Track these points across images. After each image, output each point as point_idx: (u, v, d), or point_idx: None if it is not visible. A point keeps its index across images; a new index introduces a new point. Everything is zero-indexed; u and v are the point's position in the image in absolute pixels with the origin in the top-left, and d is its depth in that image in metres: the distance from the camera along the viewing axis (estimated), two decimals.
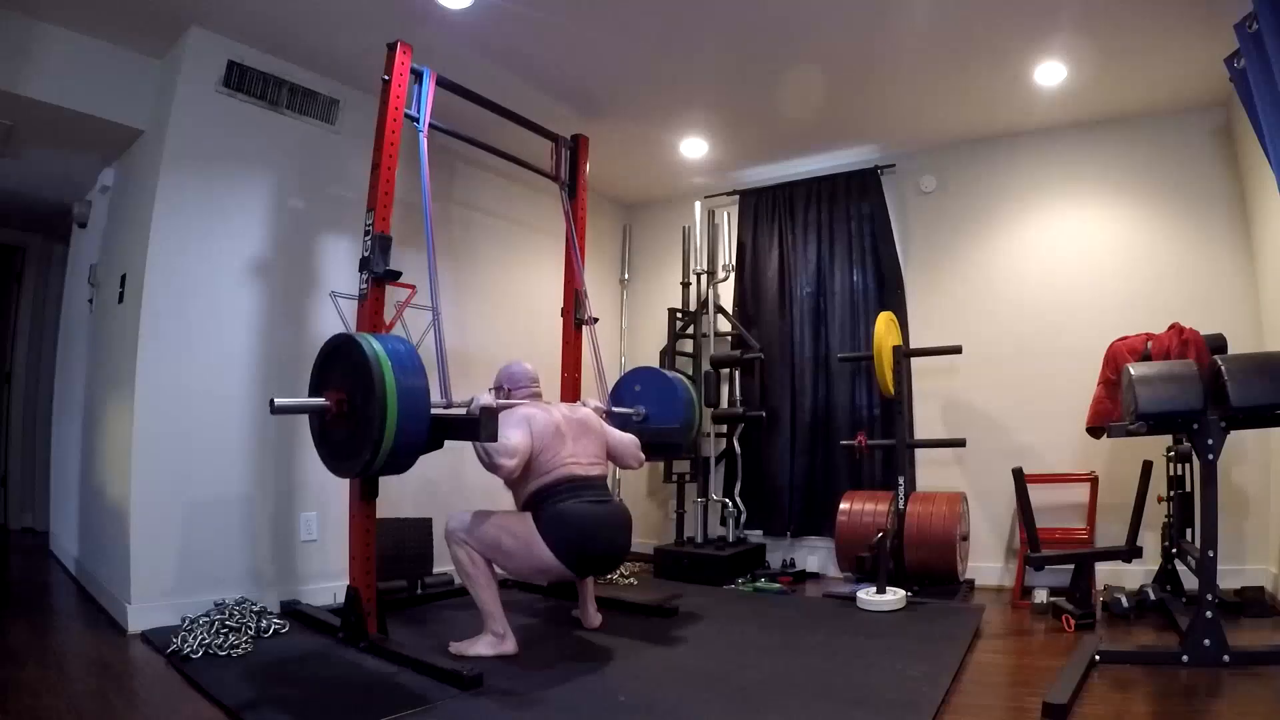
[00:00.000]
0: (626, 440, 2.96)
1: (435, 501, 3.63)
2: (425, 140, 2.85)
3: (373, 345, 2.25)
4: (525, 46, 3.23)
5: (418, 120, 2.86)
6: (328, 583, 3.22)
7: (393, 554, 3.33)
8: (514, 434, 2.50)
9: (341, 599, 2.74)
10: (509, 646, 2.52)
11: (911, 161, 4.35)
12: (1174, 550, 3.25)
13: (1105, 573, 3.49)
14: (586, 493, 2.60)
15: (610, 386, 3.52)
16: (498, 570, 2.63)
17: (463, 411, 2.59)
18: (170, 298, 2.94)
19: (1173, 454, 3.25)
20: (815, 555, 4.34)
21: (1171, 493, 3.27)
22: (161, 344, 2.90)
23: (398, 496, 3.35)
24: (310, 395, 2.44)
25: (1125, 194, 3.85)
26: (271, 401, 2.25)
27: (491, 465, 2.47)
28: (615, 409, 3.32)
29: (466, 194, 4.15)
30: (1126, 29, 3.03)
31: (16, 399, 5.05)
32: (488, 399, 2.62)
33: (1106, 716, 2.01)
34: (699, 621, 3.05)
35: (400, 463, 2.31)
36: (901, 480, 3.78)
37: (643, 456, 3.01)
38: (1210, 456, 2.38)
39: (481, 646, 2.51)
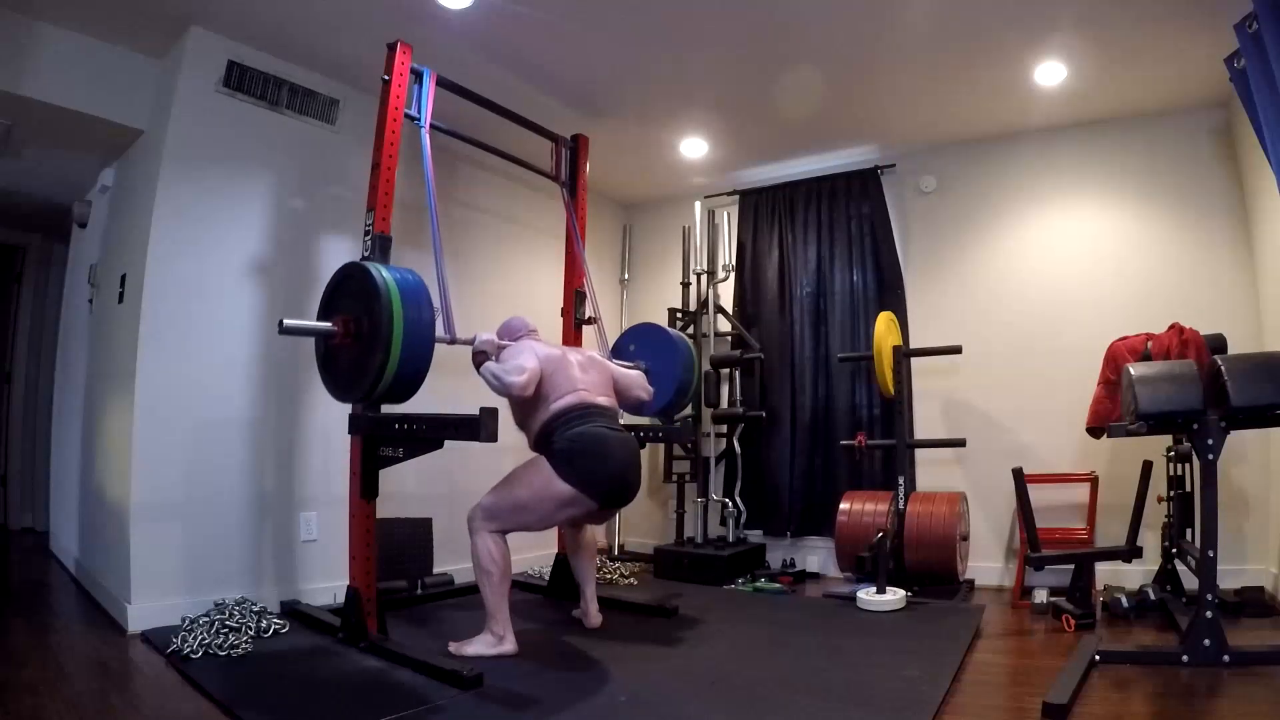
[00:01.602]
0: (633, 374, 3.00)
1: (435, 501, 3.64)
2: (428, 136, 2.84)
3: (382, 273, 2.32)
4: (525, 46, 3.23)
5: (418, 119, 2.85)
6: (328, 583, 3.22)
7: (393, 554, 3.33)
8: (522, 357, 2.54)
9: (341, 599, 2.74)
10: (508, 647, 2.51)
11: (911, 161, 4.35)
12: (1174, 550, 3.25)
13: (1105, 573, 3.49)
14: (600, 419, 2.62)
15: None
16: (520, 533, 2.64)
17: (468, 344, 2.69)
18: (170, 298, 2.94)
19: (1173, 454, 3.25)
20: (815, 555, 4.34)
21: (1171, 493, 3.27)
22: (161, 344, 2.90)
23: (398, 496, 3.35)
24: (318, 321, 2.50)
25: (1125, 194, 3.85)
26: (280, 322, 2.32)
27: (505, 386, 2.46)
28: (615, 360, 3.33)
29: (467, 194, 4.15)
30: (1126, 29, 3.03)
31: (16, 399, 5.05)
32: (490, 336, 2.70)
33: (1106, 716, 2.01)
34: (699, 622, 3.05)
35: (402, 390, 2.36)
36: (901, 480, 3.78)
37: (651, 389, 3.04)
38: (1210, 456, 2.38)
39: (481, 646, 2.51)
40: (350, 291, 2.44)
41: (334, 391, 2.55)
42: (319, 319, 2.53)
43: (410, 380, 2.36)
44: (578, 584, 3.01)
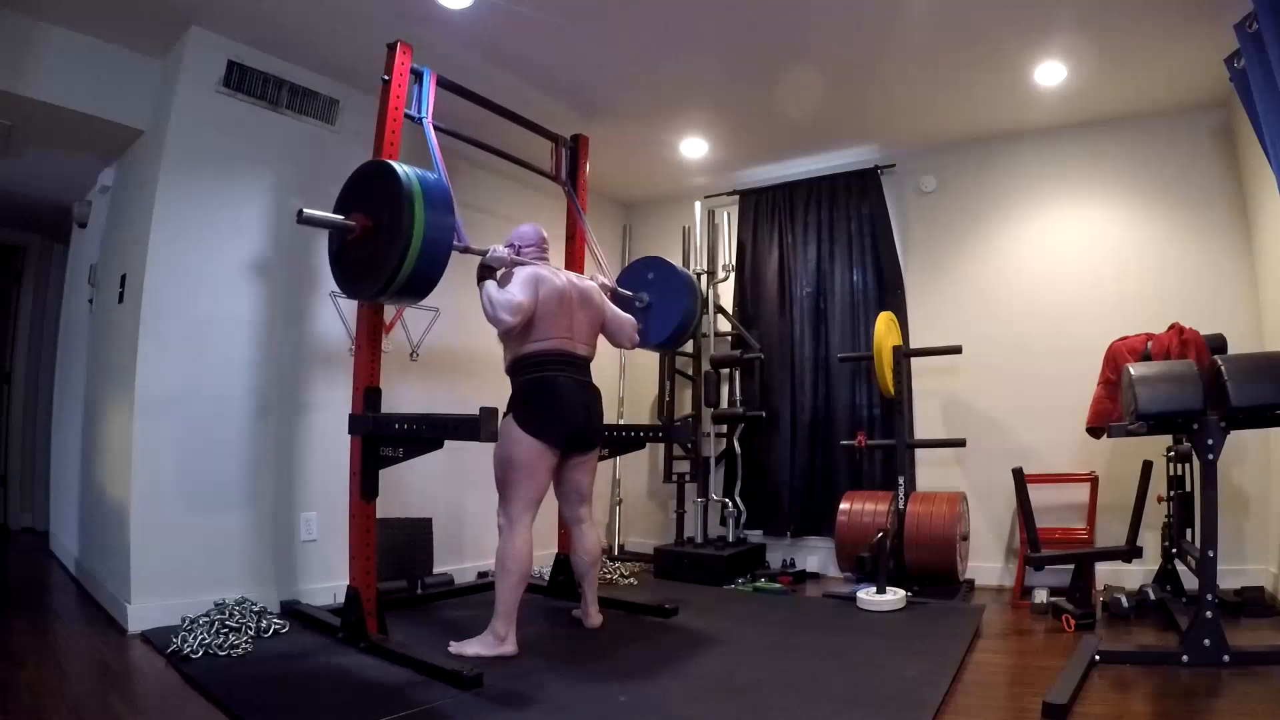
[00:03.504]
0: (624, 319, 3.02)
1: (436, 501, 3.64)
2: (430, 126, 2.83)
3: (408, 173, 2.33)
4: (525, 46, 3.23)
5: (417, 119, 2.85)
6: (328, 583, 3.22)
7: (393, 554, 3.33)
8: (520, 292, 2.56)
9: (341, 599, 2.74)
10: (509, 648, 2.51)
11: (911, 161, 4.35)
12: (1174, 550, 3.25)
13: (1105, 573, 3.49)
14: (570, 369, 2.69)
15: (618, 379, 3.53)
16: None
17: (481, 260, 2.70)
18: (170, 298, 2.94)
19: (1173, 454, 3.25)
20: (815, 555, 4.34)
21: (1171, 493, 3.27)
22: (161, 344, 2.90)
23: (398, 496, 3.35)
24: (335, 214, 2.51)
25: (1125, 194, 3.85)
26: (299, 211, 2.32)
27: (494, 318, 2.52)
28: (620, 290, 3.35)
29: (466, 194, 4.13)
30: (1126, 29, 3.03)
31: (16, 399, 5.05)
32: (504, 251, 2.71)
33: (1106, 716, 2.01)
34: (699, 622, 3.05)
35: (414, 292, 2.39)
36: (901, 480, 3.78)
37: (637, 338, 3.08)
38: (1210, 456, 2.38)
39: (481, 646, 2.51)
40: (372, 189, 2.44)
41: (344, 286, 2.58)
42: (336, 212, 2.52)
43: (423, 283, 2.36)
44: (578, 584, 3.00)
